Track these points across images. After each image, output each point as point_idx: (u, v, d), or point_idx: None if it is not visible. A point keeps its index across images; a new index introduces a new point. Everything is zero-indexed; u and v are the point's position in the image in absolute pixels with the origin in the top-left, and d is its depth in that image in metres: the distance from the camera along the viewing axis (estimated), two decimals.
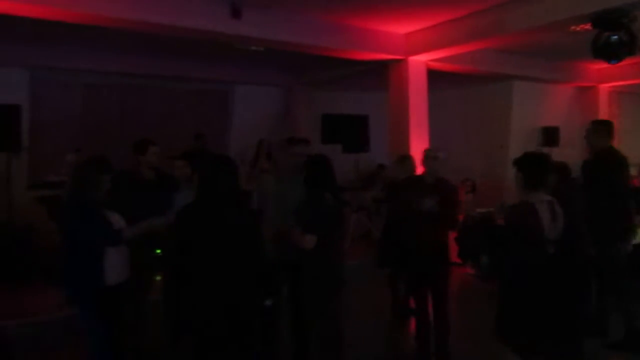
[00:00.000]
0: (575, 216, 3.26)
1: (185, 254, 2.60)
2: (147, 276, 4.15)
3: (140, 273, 3.64)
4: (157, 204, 3.79)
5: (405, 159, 5.24)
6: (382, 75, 7.43)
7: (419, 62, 7.05)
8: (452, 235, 5.53)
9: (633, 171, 5.36)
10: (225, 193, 2.64)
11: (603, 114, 9.98)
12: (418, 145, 7.00)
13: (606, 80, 9.81)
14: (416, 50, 6.81)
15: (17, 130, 6.11)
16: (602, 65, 8.88)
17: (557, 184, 3.33)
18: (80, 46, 7.28)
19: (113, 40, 6.83)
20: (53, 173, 6.81)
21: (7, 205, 6.22)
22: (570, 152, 7.90)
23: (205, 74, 8.92)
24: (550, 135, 9.54)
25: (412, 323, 4.00)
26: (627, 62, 6.12)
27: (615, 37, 4.88)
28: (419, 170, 5.52)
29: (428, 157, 4.06)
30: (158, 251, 4.14)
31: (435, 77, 7.41)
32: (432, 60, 7.11)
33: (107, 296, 3.07)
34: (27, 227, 6.05)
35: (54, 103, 8.24)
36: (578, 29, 6.01)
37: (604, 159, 4.28)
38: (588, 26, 5.25)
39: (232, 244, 2.58)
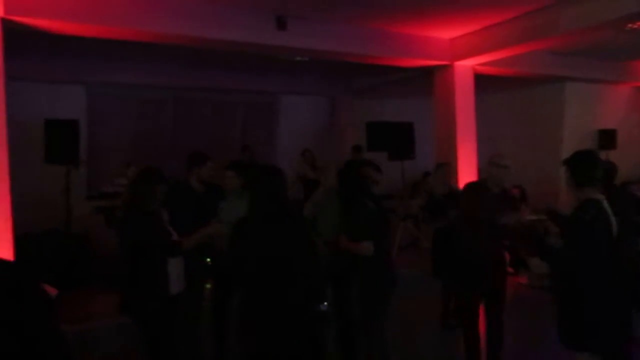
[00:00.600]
0: (624, 217, 3.08)
1: (240, 266, 2.65)
2: (199, 285, 4.23)
3: (192, 282, 3.72)
4: (204, 214, 3.88)
5: (439, 168, 5.11)
6: (426, 81, 7.34)
7: (466, 66, 6.93)
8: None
9: None
10: (276, 204, 2.68)
11: None
12: (465, 152, 6.87)
13: None
14: (462, 54, 6.69)
15: (75, 144, 6.42)
16: None
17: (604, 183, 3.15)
18: (134, 62, 7.60)
19: (165, 56, 7.09)
20: (109, 184, 7.11)
21: (66, 216, 6.52)
22: (629, 155, 7.54)
23: (251, 86, 9.13)
24: (607, 138, 9.13)
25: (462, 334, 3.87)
26: None
27: None
28: (461, 176, 5.36)
29: (496, 164, 3.66)
30: (208, 260, 4.22)
31: (482, 80, 7.26)
32: (479, 65, 6.97)
33: (167, 305, 3.13)
34: (85, 235, 6.32)
35: (109, 117, 8.65)
36: (635, 26, 5.75)
37: None
38: None
39: (285, 254, 2.61)
